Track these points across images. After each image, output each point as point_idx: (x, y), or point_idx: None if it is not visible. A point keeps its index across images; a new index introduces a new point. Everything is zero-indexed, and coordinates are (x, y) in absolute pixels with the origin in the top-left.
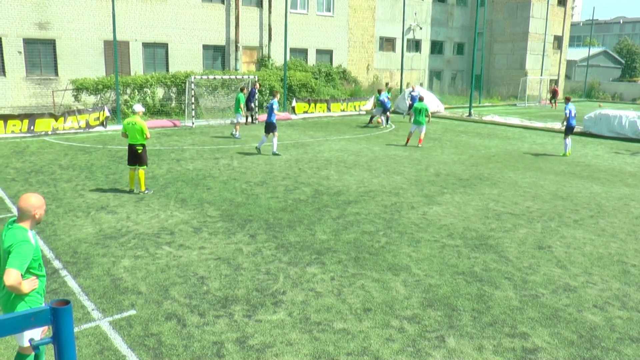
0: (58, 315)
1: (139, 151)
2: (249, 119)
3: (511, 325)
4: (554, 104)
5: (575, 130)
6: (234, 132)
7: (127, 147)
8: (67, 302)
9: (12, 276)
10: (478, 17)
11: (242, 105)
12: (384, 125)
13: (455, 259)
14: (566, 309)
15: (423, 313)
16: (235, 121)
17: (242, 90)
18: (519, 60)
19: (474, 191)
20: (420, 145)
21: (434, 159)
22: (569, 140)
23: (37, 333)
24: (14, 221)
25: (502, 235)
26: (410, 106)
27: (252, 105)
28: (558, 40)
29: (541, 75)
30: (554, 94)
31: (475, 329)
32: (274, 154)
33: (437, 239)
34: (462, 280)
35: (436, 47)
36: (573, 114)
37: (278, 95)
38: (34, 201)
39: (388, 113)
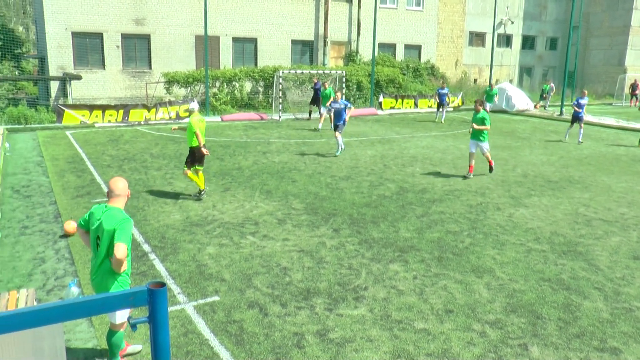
0: (154, 297)
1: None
2: (312, 115)
3: (600, 338)
4: (635, 101)
5: None
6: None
7: (190, 148)
8: (162, 285)
9: (122, 249)
10: (574, 9)
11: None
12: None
13: (542, 264)
14: None
15: (506, 318)
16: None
17: (324, 85)
18: (618, 56)
19: (563, 194)
20: (491, 168)
21: (521, 159)
22: None
23: (125, 313)
24: (105, 204)
25: (592, 243)
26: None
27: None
28: None
29: None
30: (633, 89)
31: (561, 340)
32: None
33: (523, 243)
34: (548, 287)
35: (528, 42)
36: None
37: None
38: (124, 184)
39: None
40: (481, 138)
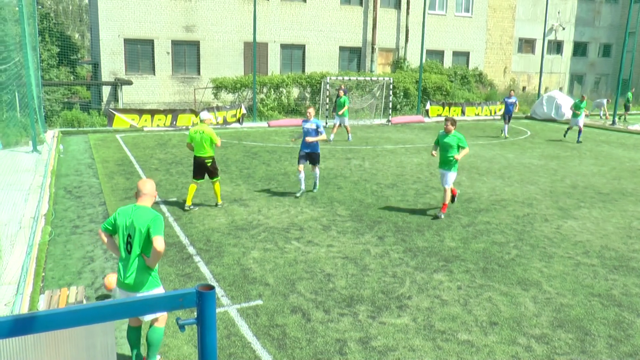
0: (203, 299)
1: (209, 164)
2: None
3: None
4: None
5: None
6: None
7: (195, 158)
8: (211, 287)
9: (161, 242)
10: (630, 14)
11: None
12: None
13: (591, 279)
14: None
15: (553, 333)
16: (337, 124)
17: (345, 93)
18: None
19: (615, 207)
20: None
21: (571, 169)
22: None
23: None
24: (134, 204)
25: None
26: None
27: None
28: None
29: None
30: None
31: (612, 358)
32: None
33: (572, 256)
34: (598, 302)
35: (579, 49)
36: None
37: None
38: (152, 184)
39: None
40: (452, 167)
